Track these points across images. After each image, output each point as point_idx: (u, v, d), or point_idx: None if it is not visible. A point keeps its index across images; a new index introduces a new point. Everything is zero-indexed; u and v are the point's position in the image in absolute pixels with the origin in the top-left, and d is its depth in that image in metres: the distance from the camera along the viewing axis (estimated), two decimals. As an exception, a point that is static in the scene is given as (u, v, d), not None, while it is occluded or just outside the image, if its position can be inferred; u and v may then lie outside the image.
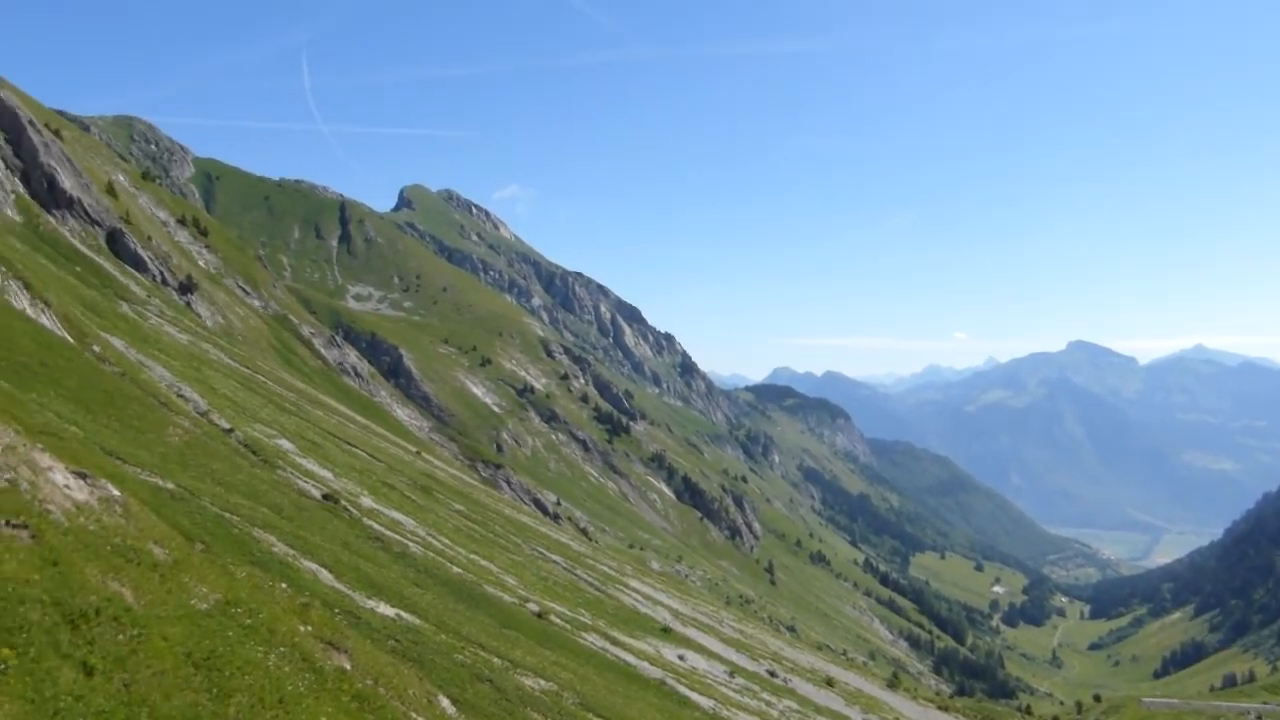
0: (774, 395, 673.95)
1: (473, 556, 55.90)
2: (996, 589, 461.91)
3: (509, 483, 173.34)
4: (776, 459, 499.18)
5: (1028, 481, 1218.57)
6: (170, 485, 34.60)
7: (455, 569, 47.06)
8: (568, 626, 46.31)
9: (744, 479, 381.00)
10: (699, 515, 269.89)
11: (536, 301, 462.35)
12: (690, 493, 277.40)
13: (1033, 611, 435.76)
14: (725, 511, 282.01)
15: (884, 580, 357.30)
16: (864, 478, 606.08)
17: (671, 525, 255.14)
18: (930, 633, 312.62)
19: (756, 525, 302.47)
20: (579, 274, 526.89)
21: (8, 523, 20.57)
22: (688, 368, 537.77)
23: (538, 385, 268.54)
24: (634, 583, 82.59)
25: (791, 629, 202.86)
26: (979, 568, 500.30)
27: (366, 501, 56.07)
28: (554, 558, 73.48)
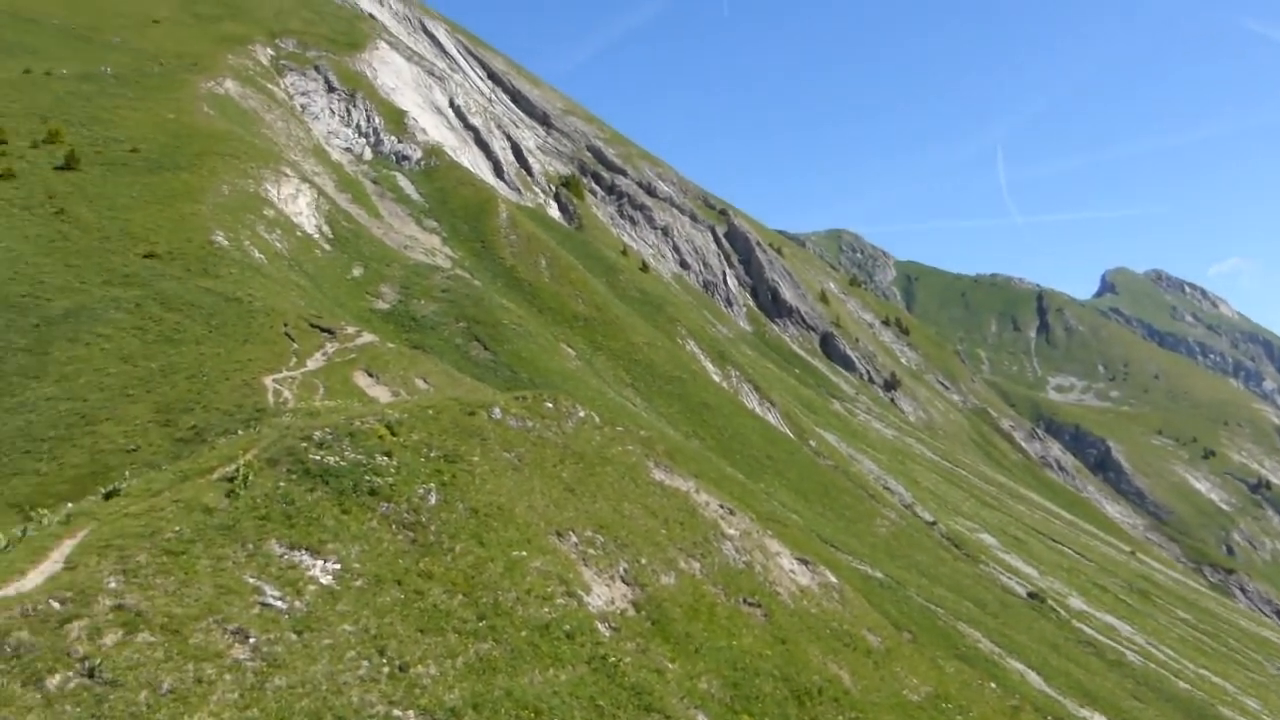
0: None
1: (1202, 671, 49.77)
2: None
3: (1243, 590, 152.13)
4: None
5: None
6: (879, 574, 36.05)
7: (1181, 684, 42.25)
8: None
9: None
10: None
11: (1269, 385, 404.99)
12: None
13: None
14: None
15: None
16: None
17: None
18: None
19: None
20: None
21: (745, 600, 23.07)
22: None
23: (1275, 480, 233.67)
24: None
25: None
26: None
27: (1075, 602, 53.00)
28: (1308, 687, 62.63)
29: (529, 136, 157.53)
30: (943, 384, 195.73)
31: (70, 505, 24.48)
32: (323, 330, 48.33)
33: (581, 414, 31.91)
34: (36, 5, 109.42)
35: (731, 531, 30.56)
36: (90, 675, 15.12)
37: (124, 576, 17.72)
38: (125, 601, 16.91)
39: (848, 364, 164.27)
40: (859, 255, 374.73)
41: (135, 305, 48.93)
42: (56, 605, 16.46)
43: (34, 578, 18.21)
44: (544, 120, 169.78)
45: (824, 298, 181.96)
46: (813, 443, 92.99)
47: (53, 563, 19.04)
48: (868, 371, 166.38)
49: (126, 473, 28.71)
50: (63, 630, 15.86)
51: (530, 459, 27.20)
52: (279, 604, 18.32)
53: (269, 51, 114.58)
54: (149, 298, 50.00)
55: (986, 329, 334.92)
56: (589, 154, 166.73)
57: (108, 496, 23.94)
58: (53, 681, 14.77)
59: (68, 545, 19.94)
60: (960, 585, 56.94)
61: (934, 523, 79.33)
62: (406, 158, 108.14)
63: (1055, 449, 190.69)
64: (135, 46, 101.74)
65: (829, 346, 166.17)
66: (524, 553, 23.03)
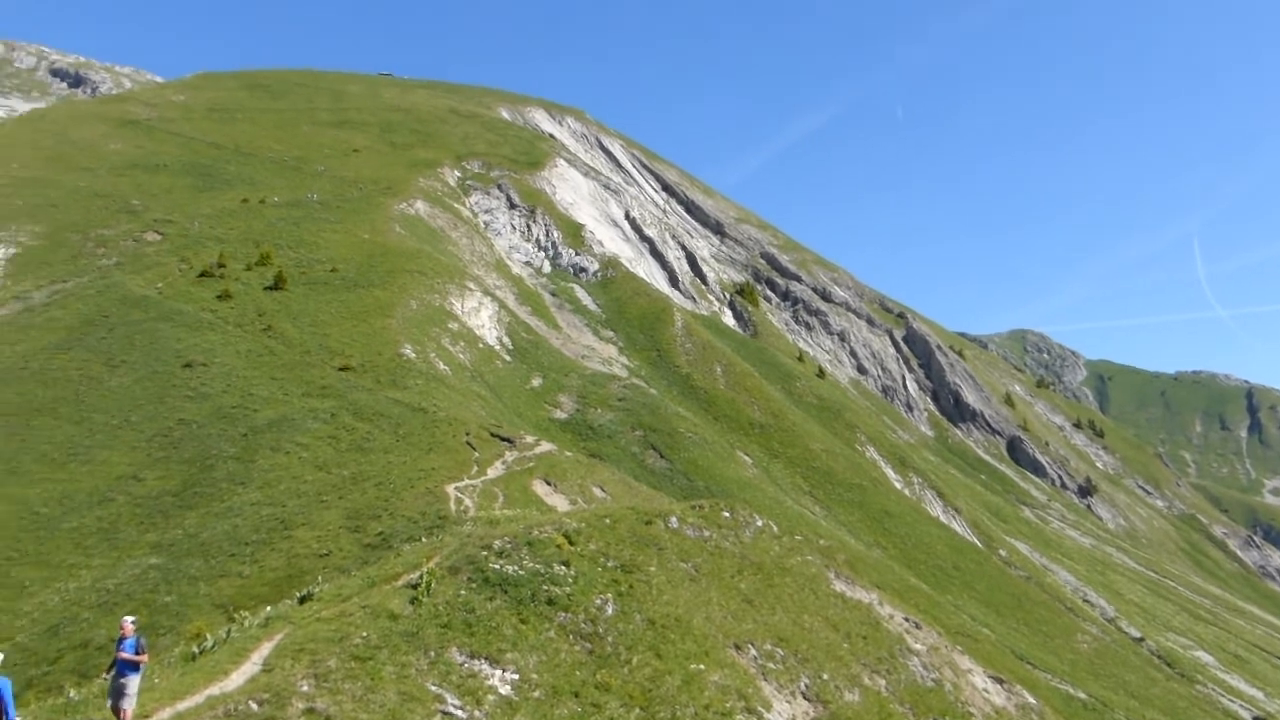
0: None
1: None
2: None
3: None
4: None
5: None
6: (1082, 694, 33.68)
7: None
8: None
9: None
10: None
11: None
12: None
13: None
14: None
15: None
16: None
17: None
18: None
19: None
20: None
21: (934, 724, 21.71)
22: None
23: None
24: None
25: None
26: None
27: (1310, 734, 48.10)
28: None
29: (703, 245, 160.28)
30: (1144, 489, 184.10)
31: (269, 608, 25.64)
32: (503, 439, 49.67)
33: (759, 523, 31.44)
34: (256, 141, 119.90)
35: (918, 646, 29.19)
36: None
37: (315, 680, 18.29)
38: (316, 705, 17.41)
39: (1038, 469, 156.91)
40: (1045, 356, 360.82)
41: (331, 415, 51.70)
42: (255, 706, 17.10)
43: (236, 678, 19.11)
44: (717, 229, 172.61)
45: (1009, 401, 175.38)
46: (1003, 552, 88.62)
47: (252, 664, 19.95)
48: (1059, 477, 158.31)
49: (319, 577, 29.92)
50: (258, 733, 16.42)
51: (708, 569, 26.87)
52: (459, 713, 18.47)
53: (456, 173, 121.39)
54: (343, 408, 52.76)
55: (1190, 429, 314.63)
56: (763, 261, 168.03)
57: (302, 601, 24.96)
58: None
59: (266, 648, 20.83)
60: (1175, 708, 52.43)
61: (1141, 639, 73.75)
62: (584, 270, 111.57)
63: (1277, 558, 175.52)
64: (337, 174, 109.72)
65: (1016, 451, 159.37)
66: (702, 666, 22.58)
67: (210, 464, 46.87)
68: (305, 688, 18.03)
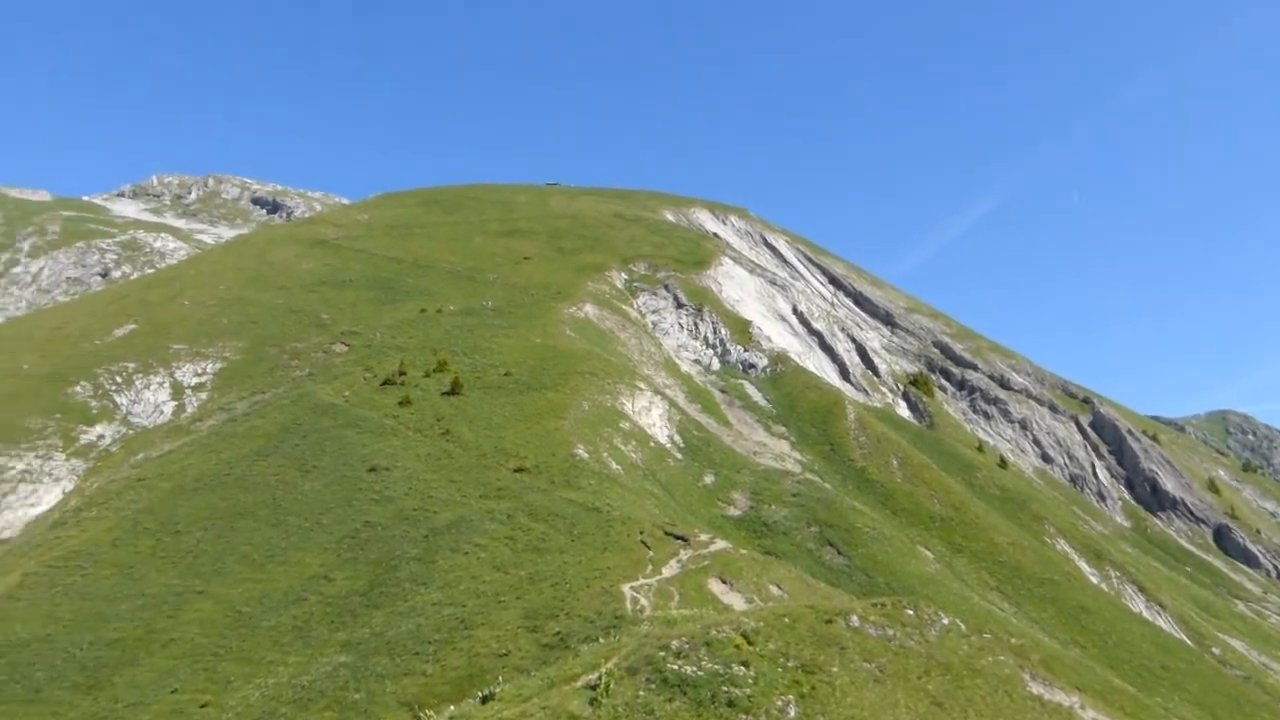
0: None
1: None
2: None
3: None
4: None
5: None
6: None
7: None
8: None
9: None
10: None
11: None
12: None
13: None
14: None
15: None
16: None
17: None
18: None
19: None
20: None
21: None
22: None
23: None
24: None
25: None
26: None
27: None
28: None
29: (873, 337, 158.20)
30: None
31: (452, 707, 26.15)
32: (677, 538, 49.63)
33: (945, 621, 30.22)
34: (432, 254, 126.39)
35: (1123, 758, 27.20)
36: None
37: (498, 782, 18.49)
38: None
39: (1249, 559, 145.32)
40: (1250, 437, 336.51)
41: (507, 516, 52.91)
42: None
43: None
44: (887, 320, 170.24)
45: (1213, 486, 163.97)
46: (1215, 650, 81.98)
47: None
48: (1275, 567, 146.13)
49: (500, 677, 30.36)
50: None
51: (892, 670, 25.93)
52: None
53: (623, 276, 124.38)
54: (519, 509, 53.94)
55: None
56: (936, 350, 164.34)
57: (484, 700, 25.37)
58: None
59: (450, 748, 21.23)
60: None
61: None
62: (753, 365, 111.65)
63: None
64: (509, 281, 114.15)
65: (1224, 540, 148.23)
66: (888, 774, 21.67)
67: (394, 564, 48.56)
68: (489, 788, 18.25)
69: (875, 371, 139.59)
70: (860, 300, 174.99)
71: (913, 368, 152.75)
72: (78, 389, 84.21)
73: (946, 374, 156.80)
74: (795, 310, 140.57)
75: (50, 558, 56.42)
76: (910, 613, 29.79)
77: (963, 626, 30.36)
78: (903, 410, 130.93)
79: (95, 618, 48.09)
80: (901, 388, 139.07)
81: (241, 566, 51.28)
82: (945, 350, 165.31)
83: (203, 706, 38.35)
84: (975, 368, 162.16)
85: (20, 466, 73.13)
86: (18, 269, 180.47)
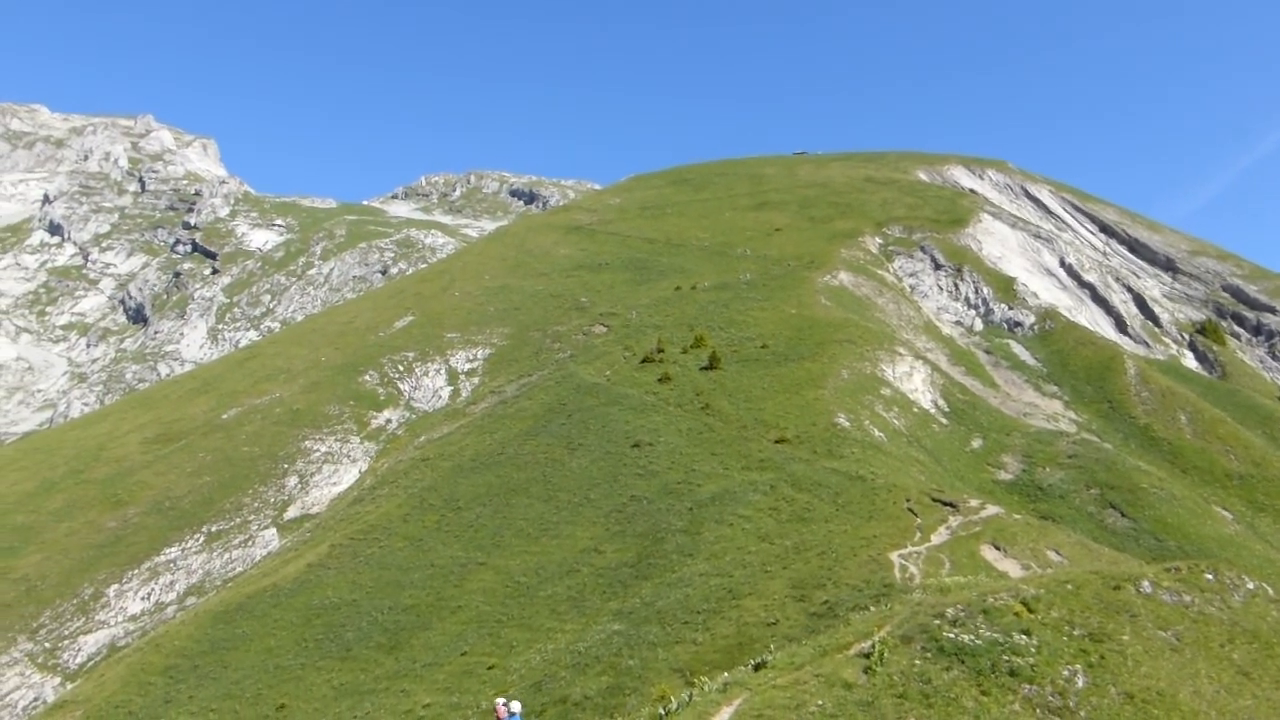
0: None
1: None
2: None
3: None
4: None
5: None
6: None
7: None
8: None
9: None
10: None
11: None
12: None
13: None
14: None
15: None
16: None
17: None
18: None
19: None
20: None
21: None
22: None
23: None
24: None
25: None
26: None
27: None
28: None
29: (1152, 285, 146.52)
30: None
31: (725, 674, 26.30)
32: (945, 504, 47.84)
33: (1250, 585, 27.41)
34: (684, 232, 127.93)
35: None
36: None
37: (774, 747, 18.36)
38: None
39: None
40: None
41: (770, 487, 52.75)
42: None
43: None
44: (1168, 265, 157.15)
45: None
46: None
47: (714, 727, 20.56)
48: None
49: (770, 645, 30.26)
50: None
51: (1191, 638, 23.77)
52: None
53: (877, 240, 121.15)
54: (782, 480, 53.65)
55: None
56: (1226, 295, 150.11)
57: (757, 668, 25.33)
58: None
59: (726, 713, 21.36)
60: None
61: None
62: (1019, 324, 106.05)
63: None
64: (760, 254, 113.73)
65: None
66: (1198, 752, 19.89)
67: (660, 537, 49.51)
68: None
69: (1156, 322, 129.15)
70: (1135, 247, 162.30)
71: (1199, 315, 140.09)
72: (367, 377, 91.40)
73: (1239, 319, 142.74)
74: (1063, 263, 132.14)
75: (352, 531, 61.65)
76: (1209, 577, 27.19)
77: (1271, 592, 27.42)
78: (1189, 361, 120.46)
79: (393, 585, 52.09)
80: (1187, 337, 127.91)
81: (518, 540, 53.92)
82: (1237, 294, 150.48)
83: (490, 668, 40.66)
84: (1274, 310, 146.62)
85: (324, 449, 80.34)
86: (312, 270, 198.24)
